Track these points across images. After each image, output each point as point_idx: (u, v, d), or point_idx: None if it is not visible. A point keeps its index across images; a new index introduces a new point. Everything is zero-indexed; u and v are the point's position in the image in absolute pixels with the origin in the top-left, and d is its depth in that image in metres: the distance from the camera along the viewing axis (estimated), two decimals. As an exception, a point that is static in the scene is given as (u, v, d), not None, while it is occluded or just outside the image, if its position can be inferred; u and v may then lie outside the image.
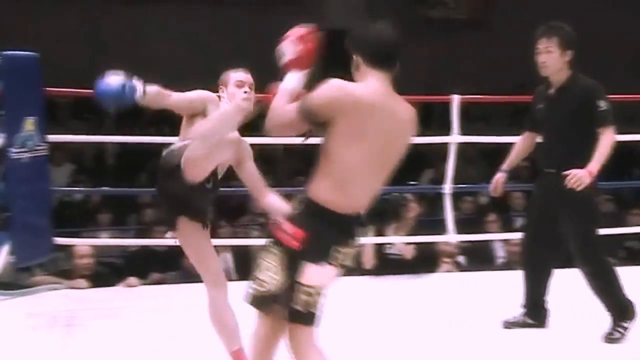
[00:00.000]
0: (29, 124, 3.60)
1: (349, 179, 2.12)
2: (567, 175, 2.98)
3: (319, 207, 2.11)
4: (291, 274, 2.12)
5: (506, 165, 3.35)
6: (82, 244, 4.42)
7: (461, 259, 5.18)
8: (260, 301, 2.16)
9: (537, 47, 3.11)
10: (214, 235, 5.27)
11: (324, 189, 2.11)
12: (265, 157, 8.41)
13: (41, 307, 3.67)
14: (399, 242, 4.46)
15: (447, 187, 4.42)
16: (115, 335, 3.29)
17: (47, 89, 3.86)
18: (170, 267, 4.77)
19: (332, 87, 2.10)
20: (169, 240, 4.83)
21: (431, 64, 9.48)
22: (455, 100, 4.28)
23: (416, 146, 3.39)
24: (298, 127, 2.12)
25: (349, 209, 2.14)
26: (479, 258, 5.01)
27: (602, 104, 3.06)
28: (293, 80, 2.18)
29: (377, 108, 2.12)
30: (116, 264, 5.53)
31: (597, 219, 3.21)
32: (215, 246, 5.14)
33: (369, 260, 4.58)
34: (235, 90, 2.75)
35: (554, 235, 3.21)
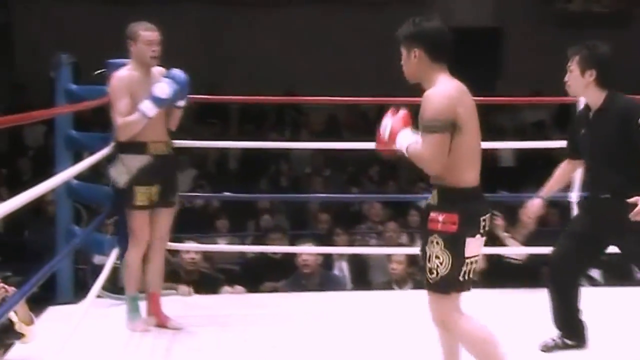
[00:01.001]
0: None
1: (471, 158, 2.45)
2: (627, 203, 2.83)
3: (457, 190, 2.43)
4: (456, 253, 2.41)
5: (544, 192, 3.21)
6: (193, 249, 4.46)
7: (595, 273, 4.84)
8: (438, 286, 2.45)
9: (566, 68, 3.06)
10: (330, 243, 5.31)
11: (456, 173, 2.42)
12: (388, 164, 8.32)
13: (151, 312, 3.72)
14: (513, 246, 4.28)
15: (574, 195, 4.11)
16: (222, 343, 3.28)
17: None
18: (283, 275, 4.74)
19: (439, 98, 2.38)
20: (284, 247, 4.90)
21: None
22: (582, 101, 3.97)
23: (543, 151, 3.17)
24: (447, 144, 2.39)
25: (476, 182, 2.47)
26: (616, 272, 4.66)
27: None
28: (406, 137, 2.45)
29: (464, 97, 2.44)
30: (232, 270, 5.61)
31: None
32: (330, 255, 5.15)
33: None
34: (145, 48, 3.21)
35: (588, 260, 3.20)
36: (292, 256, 4.80)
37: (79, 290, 3.98)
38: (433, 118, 2.36)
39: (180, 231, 5.54)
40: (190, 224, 6.66)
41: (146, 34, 3.24)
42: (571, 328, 3.20)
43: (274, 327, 3.50)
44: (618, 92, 3.00)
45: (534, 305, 3.48)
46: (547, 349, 3.20)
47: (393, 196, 6.90)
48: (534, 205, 3.20)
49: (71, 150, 3.83)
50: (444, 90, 2.39)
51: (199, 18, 9.51)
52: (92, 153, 3.50)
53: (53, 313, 3.63)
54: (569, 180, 3.32)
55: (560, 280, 3.17)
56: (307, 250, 4.56)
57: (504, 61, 10.05)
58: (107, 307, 3.76)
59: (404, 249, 5.31)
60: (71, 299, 3.77)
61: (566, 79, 3.03)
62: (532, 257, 4.38)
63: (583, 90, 3.01)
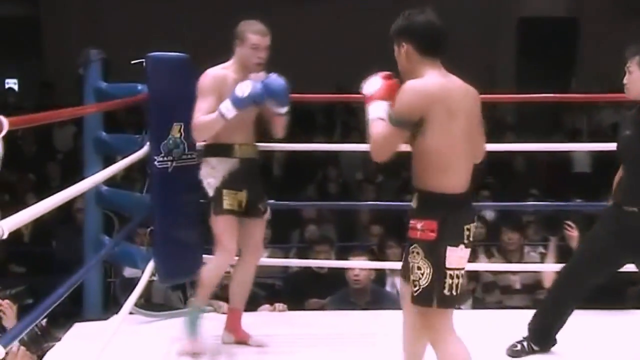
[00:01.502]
0: (176, 131, 3.69)
1: (451, 162, 2.51)
2: None
3: (438, 195, 2.50)
4: (436, 263, 2.49)
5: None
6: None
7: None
8: (420, 298, 2.54)
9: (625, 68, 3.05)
10: (382, 257, 5.28)
11: (435, 178, 2.51)
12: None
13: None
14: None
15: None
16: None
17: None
18: (329, 291, 4.74)
19: (411, 92, 2.48)
20: (331, 261, 4.89)
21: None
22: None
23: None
24: (399, 139, 2.51)
25: (460, 188, 2.53)
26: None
27: None
28: (379, 109, 2.54)
29: (451, 94, 2.51)
30: (274, 285, 5.62)
31: None
32: (383, 269, 5.12)
33: (549, 278, 4.41)
34: (250, 53, 3.25)
35: (601, 275, 3.21)
36: (339, 271, 4.79)
37: (108, 306, 4.05)
38: (397, 110, 2.48)
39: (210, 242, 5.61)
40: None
41: (255, 37, 3.27)
42: (543, 337, 3.31)
43: (319, 349, 3.50)
44: None
45: (616, 328, 3.42)
46: (514, 353, 3.34)
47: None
48: None
49: (101, 153, 3.90)
50: (423, 85, 2.48)
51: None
52: (124, 157, 3.56)
53: (80, 329, 3.69)
54: None
55: (564, 289, 3.24)
56: (356, 265, 4.55)
57: (580, 56, 9.90)
58: (139, 324, 3.81)
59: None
60: (99, 314, 3.82)
61: (625, 81, 3.03)
62: (616, 275, 4.28)
63: None
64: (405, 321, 2.79)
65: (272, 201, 6.16)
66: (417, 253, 2.51)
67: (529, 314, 4.38)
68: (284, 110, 3.34)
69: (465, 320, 3.99)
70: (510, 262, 5.31)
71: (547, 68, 9.14)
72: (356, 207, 6.67)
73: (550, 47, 9.50)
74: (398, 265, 5.09)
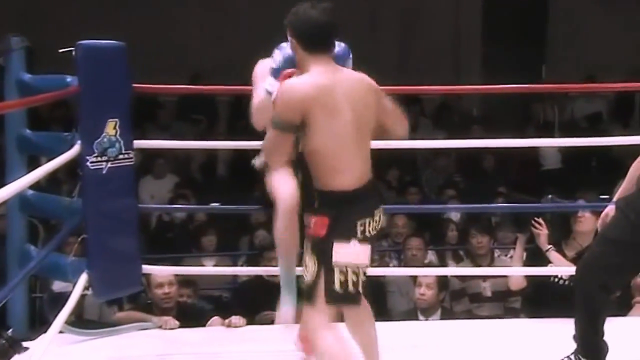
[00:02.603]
0: (110, 128, 3.64)
1: (338, 160, 2.68)
2: None
3: (329, 192, 2.70)
4: (322, 259, 2.67)
5: (619, 195, 3.23)
6: (175, 273, 4.46)
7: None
8: (305, 295, 2.76)
9: None
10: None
11: (325, 177, 2.70)
12: (411, 167, 8.32)
13: (127, 350, 3.72)
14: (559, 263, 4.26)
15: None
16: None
17: (140, 85, 3.90)
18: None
19: (286, 94, 2.67)
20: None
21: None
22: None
23: (611, 149, 3.15)
24: (286, 142, 2.70)
25: (352, 185, 2.70)
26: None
27: None
28: (270, 83, 2.90)
29: (332, 90, 2.67)
30: (221, 297, 5.60)
31: None
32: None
33: (517, 282, 4.50)
34: None
35: (625, 271, 3.22)
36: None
37: (35, 324, 3.98)
38: (278, 114, 2.69)
39: (156, 250, 5.57)
40: (169, 241, 6.70)
41: None
42: (591, 347, 3.21)
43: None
44: None
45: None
46: None
47: (416, 207, 6.88)
48: (609, 212, 3.22)
49: (25, 153, 3.83)
50: (298, 86, 2.67)
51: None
52: (50, 157, 3.50)
53: (4, 352, 3.62)
54: None
55: (589, 294, 3.17)
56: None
57: (550, 40, 10.03)
58: (70, 344, 3.75)
59: (432, 269, 5.29)
60: (25, 334, 3.75)
61: None
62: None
63: None
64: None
65: (216, 204, 6.24)
66: (307, 249, 2.74)
67: (501, 323, 4.44)
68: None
69: (434, 333, 4.05)
70: (480, 266, 5.36)
71: (515, 53, 9.25)
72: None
73: (518, 32, 9.61)
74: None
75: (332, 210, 2.67)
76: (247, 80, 3.28)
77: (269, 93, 3.09)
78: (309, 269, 2.73)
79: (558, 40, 9.87)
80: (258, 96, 3.16)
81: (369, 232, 2.70)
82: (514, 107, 9.18)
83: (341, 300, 2.71)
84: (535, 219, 4.39)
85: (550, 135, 8.34)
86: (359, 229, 2.67)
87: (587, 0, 9.65)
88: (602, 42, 9.06)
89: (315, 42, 2.73)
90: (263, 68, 3.20)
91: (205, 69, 8.66)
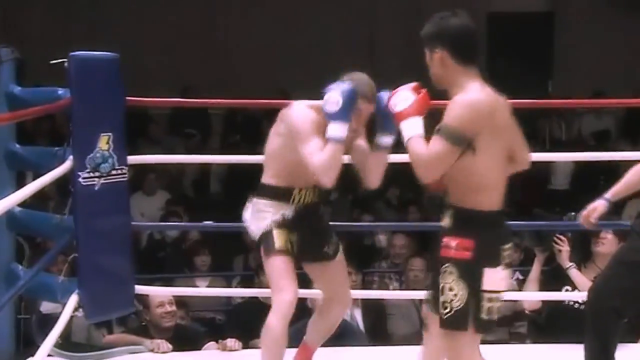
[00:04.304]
0: (103, 142, 3.66)
1: (493, 180, 2.66)
2: None
3: (475, 212, 2.64)
4: (472, 285, 2.61)
5: (611, 193, 3.23)
6: (168, 293, 4.47)
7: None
8: (452, 322, 2.65)
9: None
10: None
11: (475, 196, 2.64)
12: (410, 185, 8.32)
13: (117, 374, 3.73)
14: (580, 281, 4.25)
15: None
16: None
17: (133, 98, 3.92)
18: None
19: (467, 109, 2.59)
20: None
21: None
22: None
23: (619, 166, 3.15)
24: (454, 157, 2.60)
25: (497, 206, 2.68)
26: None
27: None
28: (417, 125, 2.67)
29: (497, 109, 2.65)
30: (215, 319, 5.59)
31: None
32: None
33: (531, 302, 4.46)
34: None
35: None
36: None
37: (20, 346, 3.97)
38: (453, 126, 2.58)
39: (149, 271, 5.56)
40: (161, 261, 6.70)
41: (363, 106, 3.09)
42: None
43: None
44: None
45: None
46: None
47: (413, 224, 6.87)
48: (597, 207, 3.21)
49: (13, 169, 3.84)
50: (476, 101, 2.59)
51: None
52: (38, 173, 3.50)
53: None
54: None
55: (600, 317, 3.18)
56: (311, 295, 4.54)
57: (557, 55, 10.09)
58: (59, 369, 3.75)
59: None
60: (11, 357, 3.75)
61: None
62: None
63: None
64: (426, 350, 2.92)
65: (210, 222, 6.24)
66: (451, 273, 2.62)
67: (508, 348, 4.43)
68: (390, 141, 3.16)
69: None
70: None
71: (521, 68, 9.29)
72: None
73: (524, 46, 9.66)
74: (359, 294, 5.19)
75: (476, 231, 2.63)
76: (239, 93, 3.26)
77: (335, 139, 3.01)
78: (458, 294, 2.63)
79: (565, 55, 9.92)
80: (320, 148, 3.03)
81: (509, 257, 2.69)
82: (520, 123, 9.20)
83: (486, 328, 2.69)
84: (558, 235, 4.37)
85: (558, 152, 8.36)
86: (503, 254, 2.66)
87: (595, 14, 9.72)
88: (611, 57, 9.12)
89: (471, 52, 2.67)
90: (309, 117, 3.09)
91: (196, 82, 8.69)
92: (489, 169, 2.64)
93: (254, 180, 3.11)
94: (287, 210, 3.22)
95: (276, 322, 3.16)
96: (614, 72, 8.95)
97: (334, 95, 3.02)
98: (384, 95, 3.01)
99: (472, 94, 2.61)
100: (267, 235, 3.20)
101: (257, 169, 3.31)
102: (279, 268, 3.18)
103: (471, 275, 2.62)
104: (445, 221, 2.70)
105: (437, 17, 2.68)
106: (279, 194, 3.22)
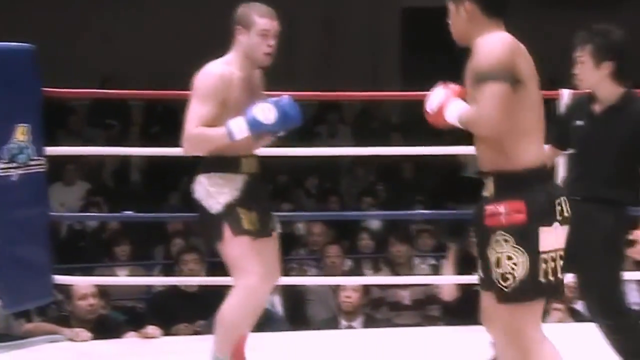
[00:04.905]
0: (20, 133, 3.60)
1: (536, 128, 2.47)
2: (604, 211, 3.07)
3: (520, 172, 2.43)
4: (532, 249, 2.41)
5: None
6: (88, 283, 4.42)
7: (579, 305, 4.96)
8: (517, 293, 2.43)
9: (574, 57, 3.16)
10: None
11: (519, 150, 2.43)
12: (330, 175, 8.38)
13: (36, 363, 3.67)
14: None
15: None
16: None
17: (49, 89, 3.86)
18: (202, 313, 4.71)
19: (499, 42, 2.41)
20: (201, 279, 4.87)
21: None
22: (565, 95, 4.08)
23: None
24: (509, 97, 2.38)
25: (542, 160, 2.49)
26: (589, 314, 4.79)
27: None
28: (459, 104, 2.50)
29: (525, 52, 2.46)
30: (135, 308, 5.54)
31: (620, 263, 3.22)
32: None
33: (450, 291, 4.49)
34: (258, 41, 2.99)
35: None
36: (213, 288, 4.77)
37: None
38: (491, 64, 2.37)
39: (68, 261, 5.48)
40: (81, 251, 6.61)
41: (264, 21, 3.00)
42: None
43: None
44: (633, 89, 3.14)
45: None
46: None
47: (334, 214, 6.94)
48: None
49: None
50: (502, 37, 2.43)
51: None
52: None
53: None
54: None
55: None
56: (230, 282, 4.53)
57: (468, 49, 10.22)
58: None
59: (353, 278, 5.35)
60: None
61: (576, 71, 3.12)
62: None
63: (597, 84, 3.12)
64: (497, 338, 2.67)
65: (130, 212, 6.18)
66: (506, 240, 2.42)
67: (421, 332, 4.51)
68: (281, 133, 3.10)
69: (356, 341, 4.11)
70: (399, 275, 5.45)
71: (435, 63, 9.41)
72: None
73: (439, 40, 9.77)
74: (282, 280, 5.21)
75: (526, 191, 2.43)
76: (160, 85, 3.21)
77: (231, 134, 2.89)
78: (519, 262, 2.42)
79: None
80: (205, 118, 2.91)
81: (567, 211, 2.48)
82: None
83: (547, 292, 2.48)
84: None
85: (470, 143, 8.49)
86: (558, 209, 2.45)
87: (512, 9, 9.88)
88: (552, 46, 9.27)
89: (501, 4, 2.51)
90: (220, 86, 2.95)
91: (116, 73, 8.57)
92: (532, 117, 2.44)
93: (173, 170, 3.08)
94: (239, 183, 3.04)
95: (238, 307, 3.00)
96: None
97: (273, 111, 2.91)
98: (288, 101, 2.95)
99: (496, 36, 2.44)
100: (231, 213, 3.01)
101: (174, 158, 3.27)
102: (246, 249, 3.00)
103: (529, 238, 2.42)
104: (487, 190, 2.50)
105: None
106: (227, 164, 3.04)
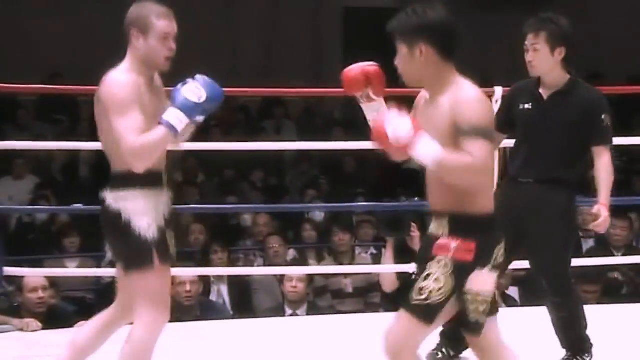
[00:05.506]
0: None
1: (492, 177, 2.49)
2: (553, 191, 3.16)
3: (476, 216, 2.39)
4: (459, 284, 2.39)
5: (605, 200, 3.29)
6: (38, 275, 4.36)
7: (513, 291, 5.05)
8: (422, 311, 2.39)
9: (524, 44, 3.19)
10: (207, 263, 5.28)
11: (474, 198, 2.39)
12: (274, 167, 8.38)
13: (-15, 353, 3.62)
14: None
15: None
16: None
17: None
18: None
19: (483, 102, 2.37)
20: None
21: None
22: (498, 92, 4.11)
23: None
24: (493, 156, 2.43)
25: (492, 208, 2.46)
26: (535, 290, 4.88)
27: (606, 119, 3.18)
28: (432, 142, 2.31)
29: None
30: (85, 299, 5.49)
31: (573, 242, 3.34)
32: (207, 276, 5.11)
33: (390, 282, 4.52)
34: (158, 46, 2.63)
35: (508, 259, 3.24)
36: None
37: None
38: (482, 124, 2.31)
39: (18, 253, 5.40)
40: (31, 243, 6.50)
41: (162, 24, 2.64)
42: (455, 339, 3.29)
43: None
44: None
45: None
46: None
47: (279, 206, 6.95)
48: (606, 215, 3.25)
49: None
50: (483, 96, 2.38)
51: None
52: None
53: None
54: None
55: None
56: (182, 273, 4.52)
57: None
58: None
59: (296, 268, 5.37)
60: None
61: (530, 58, 3.16)
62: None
63: (550, 70, 3.16)
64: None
65: (79, 205, 6.09)
66: (445, 266, 2.38)
67: (363, 318, 4.54)
68: (200, 119, 2.69)
69: (300, 328, 4.12)
70: (342, 264, 5.48)
71: (375, 56, 9.46)
72: (177, 210, 6.61)
73: (378, 39, 9.83)
74: (224, 271, 5.20)
75: (478, 235, 2.39)
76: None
77: (173, 128, 2.55)
78: (443, 289, 2.37)
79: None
80: (139, 129, 2.53)
81: (501, 257, 2.45)
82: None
83: (473, 330, 2.45)
84: (412, 222, 4.52)
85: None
86: (494, 255, 2.42)
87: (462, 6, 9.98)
88: (482, 47, 9.38)
89: (454, 48, 2.39)
90: (134, 93, 2.59)
91: (63, 67, 8.45)
92: (490, 167, 2.43)
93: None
94: (164, 201, 2.70)
95: (148, 342, 2.65)
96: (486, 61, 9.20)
97: (199, 89, 2.59)
98: (206, 79, 2.63)
99: (474, 89, 2.37)
100: (161, 238, 2.65)
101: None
102: (166, 280, 2.69)
103: (464, 275, 2.38)
104: (438, 229, 2.42)
105: (412, 10, 2.38)
106: (150, 179, 2.65)
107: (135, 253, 2.63)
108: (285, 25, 10.04)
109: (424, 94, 2.48)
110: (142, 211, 2.63)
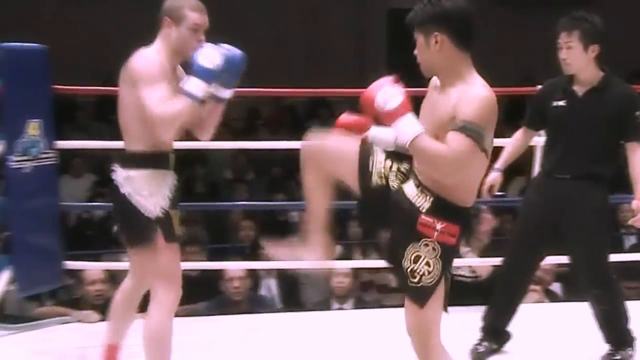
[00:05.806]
0: (32, 128, 3.64)
1: (478, 179, 2.41)
2: (590, 187, 3.19)
3: (458, 207, 2.37)
4: (446, 269, 2.42)
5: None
6: (97, 268, 4.45)
7: (556, 286, 5.02)
8: (416, 294, 2.41)
9: (557, 42, 3.20)
10: (256, 258, 5.33)
11: (460, 193, 2.37)
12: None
13: (48, 343, 3.70)
14: (468, 261, 4.44)
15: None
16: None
17: (59, 87, 3.89)
18: (203, 295, 4.76)
19: (486, 102, 2.27)
20: (202, 264, 4.90)
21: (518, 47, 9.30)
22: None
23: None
24: (475, 157, 2.29)
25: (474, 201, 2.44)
26: (578, 286, 4.85)
27: None
28: (416, 122, 2.28)
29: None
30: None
31: (609, 234, 3.36)
32: (257, 270, 5.17)
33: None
34: (189, 35, 2.70)
35: (542, 254, 3.39)
36: (211, 273, 4.82)
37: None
38: (474, 121, 2.24)
39: (77, 247, 5.50)
40: (89, 239, 6.63)
41: (195, 15, 2.71)
42: (496, 333, 3.43)
43: (194, 356, 3.51)
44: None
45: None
46: (479, 356, 3.42)
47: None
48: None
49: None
50: (491, 97, 2.28)
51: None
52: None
53: None
54: (523, 150, 3.52)
55: (510, 283, 3.39)
56: (231, 267, 4.59)
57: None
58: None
59: (343, 262, 5.40)
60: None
61: (564, 56, 3.18)
62: (491, 273, 4.49)
63: (584, 67, 3.18)
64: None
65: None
66: (434, 249, 2.36)
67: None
68: (228, 94, 2.79)
69: (347, 321, 4.16)
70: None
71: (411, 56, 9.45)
72: (227, 207, 6.69)
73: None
74: (274, 265, 5.24)
75: (461, 221, 2.38)
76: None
77: (192, 96, 2.58)
78: (433, 272, 2.38)
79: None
80: (167, 98, 2.59)
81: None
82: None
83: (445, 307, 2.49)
84: None
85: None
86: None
87: (487, 14, 9.92)
88: (505, 55, 9.34)
89: (471, 37, 2.32)
90: (162, 70, 2.65)
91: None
92: (483, 166, 2.39)
93: (178, 162, 2.98)
94: (170, 182, 2.76)
95: (165, 319, 2.75)
96: (508, 70, 9.17)
97: (215, 54, 2.61)
98: (226, 45, 2.68)
99: (484, 89, 2.29)
100: (165, 217, 2.71)
101: (178, 151, 2.92)
102: (174, 258, 2.76)
103: (450, 258, 2.41)
104: (418, 197, 2.38)
105: (429, 1, 2.33)
106: (158, 160, 2.74)
107: (140, 231, 2.71)
108: (331, 27, 10.07)
109: (435, 81, 2.43)
110: (149, 191, 2.69)
